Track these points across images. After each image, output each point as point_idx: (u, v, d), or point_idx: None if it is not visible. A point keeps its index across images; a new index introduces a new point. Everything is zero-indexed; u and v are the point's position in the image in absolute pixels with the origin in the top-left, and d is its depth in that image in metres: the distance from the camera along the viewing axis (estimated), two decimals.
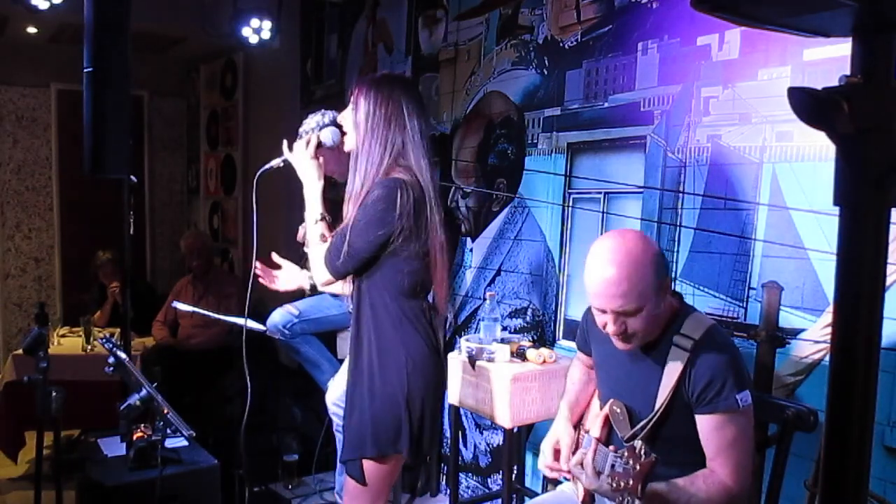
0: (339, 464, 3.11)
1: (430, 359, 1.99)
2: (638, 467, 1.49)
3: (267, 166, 2.18)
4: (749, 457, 1.66)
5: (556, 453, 1.90)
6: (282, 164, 2.17)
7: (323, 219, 2.02)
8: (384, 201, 1.87)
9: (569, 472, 1.83)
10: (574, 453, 1.88)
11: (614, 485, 1.53)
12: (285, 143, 2.15)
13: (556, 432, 1.94)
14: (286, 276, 2.58)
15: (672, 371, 1.66)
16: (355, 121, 1.98)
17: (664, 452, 1.69)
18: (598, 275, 1.64)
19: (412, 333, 1.96)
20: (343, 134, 2.09)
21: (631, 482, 1.50)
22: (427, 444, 2.01)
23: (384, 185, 1.89)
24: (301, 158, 2.09)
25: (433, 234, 1.96)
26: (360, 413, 1.97)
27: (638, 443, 1.52)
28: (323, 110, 2.96)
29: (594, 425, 1.86)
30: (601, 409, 1.87)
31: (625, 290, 1.61)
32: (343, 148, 2.10)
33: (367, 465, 1.97)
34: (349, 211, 1.96)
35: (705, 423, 1.64)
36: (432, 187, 1.97)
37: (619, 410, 1.78)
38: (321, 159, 2.11)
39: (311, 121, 2.94)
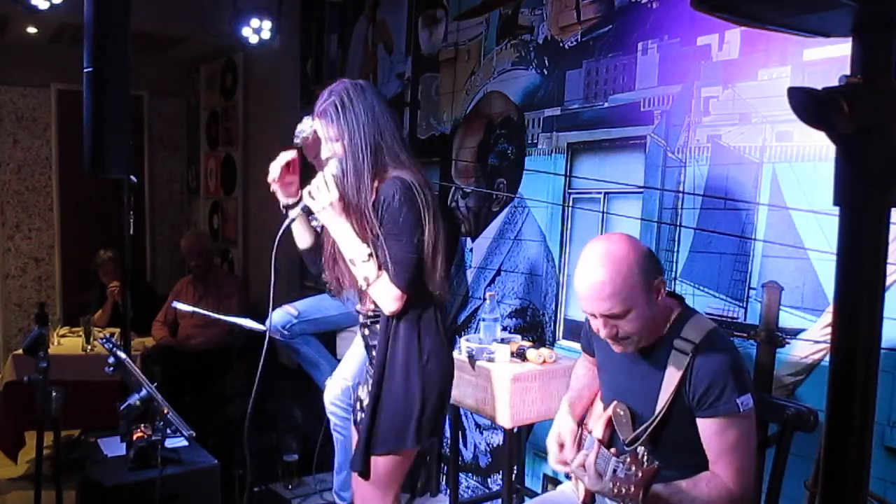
0: (336, 462, 3.11)
1: (445, 349, 2.07)
2: (640, 474, 1.49)
3: (287, 223, 2.03)
4: (751, 460, 1.66)
5: (562, 448, 1.90)
6: (301, 213, 2.03)
7: (371, 255, 1.95)
8: (406, 204, 1.91)
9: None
10: (577, 447, 1.89)
11: (615, 490, 1.53)
12: (305, 192, 1.97)
13: (557, 427, 1.94)
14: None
15: (672, 374, 1.66)
16: (335, 133, 1.96)
17: (666, 455, 1.69)
18: (584, 279, 1.67)
19: (442, 326, 2.05)
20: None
21: (632, 489, 1.49)
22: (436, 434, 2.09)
23: (396, 186, 1.91)
24: (326, 202, 1.93)
25: (436, 224, 2.00)
26: (395, 406, 2.00)
27: (641, 449, 1.52)
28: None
29: (597, 426, 1.86)
30: (604, 410, 1.87)
31: (610, 292, 1.63)
32: (322, 159, 2.04)
33: (390, 459, 2.02)
34: (350, 221, 1.96)
35: (706, 427, 1.64)
36: (424, 179, 2.02)
37: (622, 413, 1.77)
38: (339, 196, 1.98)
39: (307, 122, 2.93)
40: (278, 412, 3.78)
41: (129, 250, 3.07)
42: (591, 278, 1.65)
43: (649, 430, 1.69)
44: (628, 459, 1.50)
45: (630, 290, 1.63)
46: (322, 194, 1.93)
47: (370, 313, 2.10)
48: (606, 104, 2.67)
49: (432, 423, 2.03)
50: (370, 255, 1.95)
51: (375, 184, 1.98)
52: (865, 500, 0.68)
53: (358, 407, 2.20)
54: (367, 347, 2.17)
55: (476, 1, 3.29)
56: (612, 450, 1.66)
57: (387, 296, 1.95)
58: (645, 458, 1.50)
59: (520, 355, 2.67)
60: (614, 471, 1.53)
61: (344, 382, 2.96)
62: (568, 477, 1.99)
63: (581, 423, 1.97)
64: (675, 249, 2.43)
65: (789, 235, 2.11)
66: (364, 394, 2.16)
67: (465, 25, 3.36)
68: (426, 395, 1.99)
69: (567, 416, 1.95)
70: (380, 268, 1.95)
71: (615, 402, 1.80)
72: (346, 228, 1.95)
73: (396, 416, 1.99)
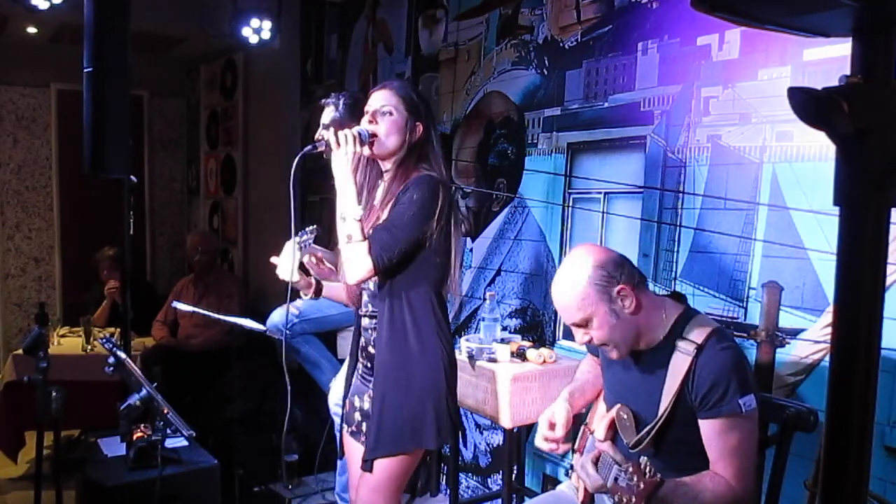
0: (339, 464, 3.11)
1: (453, 351, 2.08)
2: (642, 486, 1.48)
3: (308, 148, 2.01)
4: (752, 461, 1.65)
5: (552, 428, 1.89)
6: (321, 147, 2.00)
7: (360, 218, 1.96)
8: (428, 197, 1.93)
9: (560, 441, 1.86)
10: (578, 440, 1.88)
11: (615, 499, 1.53)
12: (331, 133, 1.98)
13: (552, 409, 1.92)
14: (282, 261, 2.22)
15: (675, 375, 1.66)
16: (393, 125, 2.01)
17: (668, 457, 1.69)
18: (551, 290, 1.79)
19: (445, 328, 2.04)
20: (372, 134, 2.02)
21: (633, 500, 1.49)
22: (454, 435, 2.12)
23: (425, 182, 1.95)
24: (350, 151, 1.96)
25: (458, 230, 2.05)
26: (397, 409, 1.97)
27: (644, 459, 1.51)
28: (344, 93, 2.90)
29: (599, 426, 1.85)
30: (607, 411, 1.86)
31: (564, 303, 1.73)
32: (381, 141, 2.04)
33: (396, 460, 1.99)
34: (377, 210, 2.01)
35: (708, 428, 1.63)
36: (449, 179, 2.06)
37: (625, 417, 1.77)
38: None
39: (331, 109, 2.87)
40: (278, 412, 3.77)
41: (129, 250, 3.07)
42: (552, 289, 1.77)
43: (653, 432, 1.69)
44: (630, 469, 1.49)
45: (581, 300, 1.69)
46: (349, 144, 1.95)
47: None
48: (606, 104, 2.67)
49: (449, 422, 2.02)
50: (363, 218, 1.95)
51: (402, 175, 2.01)
52: (865, 500, 0.68)
53: (359, 417, 2.14)
54: (364, 351, 2.13)
55: (476, 1, 3.29)
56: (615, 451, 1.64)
57: (359, 263, 1.91)
58: (648, 468, 1.49)
59: (520, 355, 2.67)
60: (616, 479, 1.52)
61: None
62: (568, 475, 1.99)
63: (578, 413, 1.96)
64: (675, 249, 2.43)
65: (789, 235, 2.11)
66: (365, 402, 2.11)
67: (465, 25, 3.36)
68: (440, 394, 1.99)
69: (564, 401, 1.93)
70: (365, 237, 1.94)
71: (619, 406, 1.79)
72: (352, 183, 1.97)
73: (414, 415, 1.97)
